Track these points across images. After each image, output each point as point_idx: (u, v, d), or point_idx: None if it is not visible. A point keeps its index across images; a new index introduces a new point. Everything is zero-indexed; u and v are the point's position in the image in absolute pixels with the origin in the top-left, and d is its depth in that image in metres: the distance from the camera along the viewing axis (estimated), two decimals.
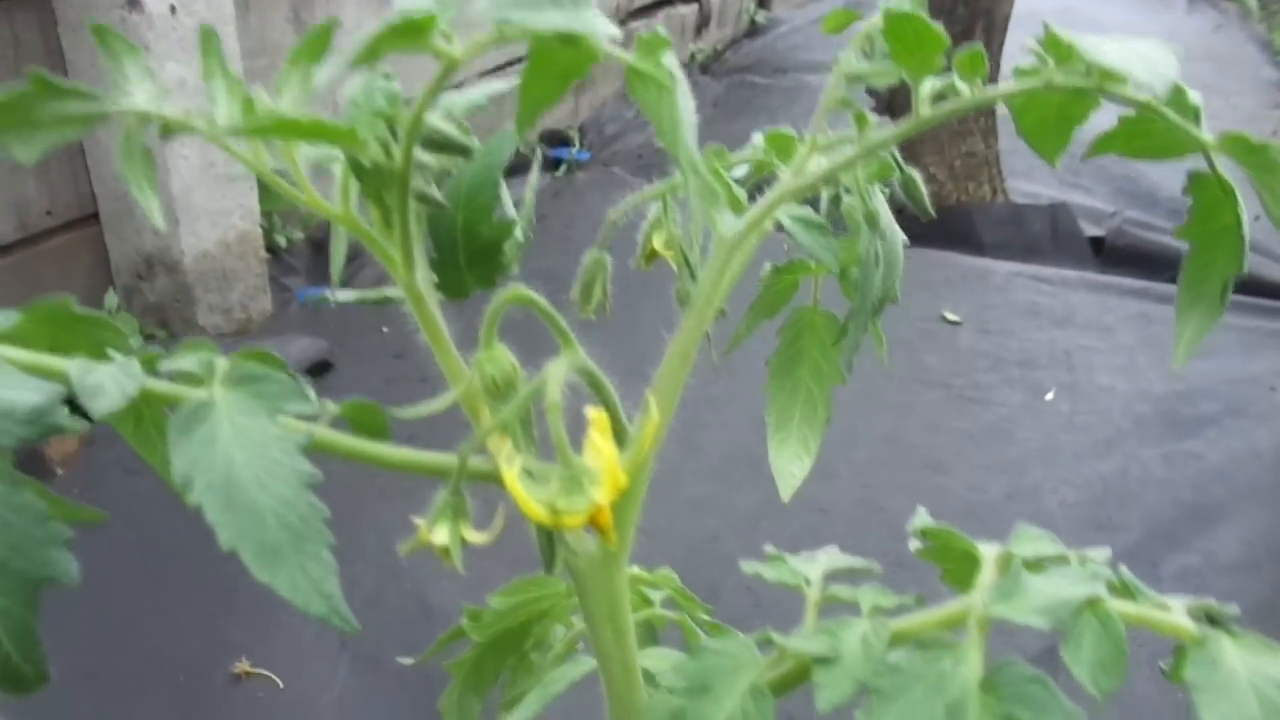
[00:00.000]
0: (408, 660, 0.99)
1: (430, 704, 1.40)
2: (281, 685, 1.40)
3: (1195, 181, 0.47)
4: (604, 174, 3.88)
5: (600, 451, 0.38)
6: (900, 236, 0.67)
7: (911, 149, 3.52)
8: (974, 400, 2.26)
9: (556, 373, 0.41)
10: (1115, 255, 3.16)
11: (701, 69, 5.40)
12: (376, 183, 0.41)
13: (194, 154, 2.31)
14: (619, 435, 0.43)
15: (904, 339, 2.52)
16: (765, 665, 0.43)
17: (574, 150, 4.03)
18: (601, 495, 0.38)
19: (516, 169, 0.71)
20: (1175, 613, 0.37)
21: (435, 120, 0.43)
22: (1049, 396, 2.28)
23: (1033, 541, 0.42)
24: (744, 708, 0.41)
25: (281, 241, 2.91)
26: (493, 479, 0.47)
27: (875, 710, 0.37)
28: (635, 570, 0.78)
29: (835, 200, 0.54)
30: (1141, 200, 3.57)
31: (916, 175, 0.56)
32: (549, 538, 0.44)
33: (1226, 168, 0.47)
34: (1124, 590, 0.39)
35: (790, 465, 0.77)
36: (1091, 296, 2.79)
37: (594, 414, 0.40)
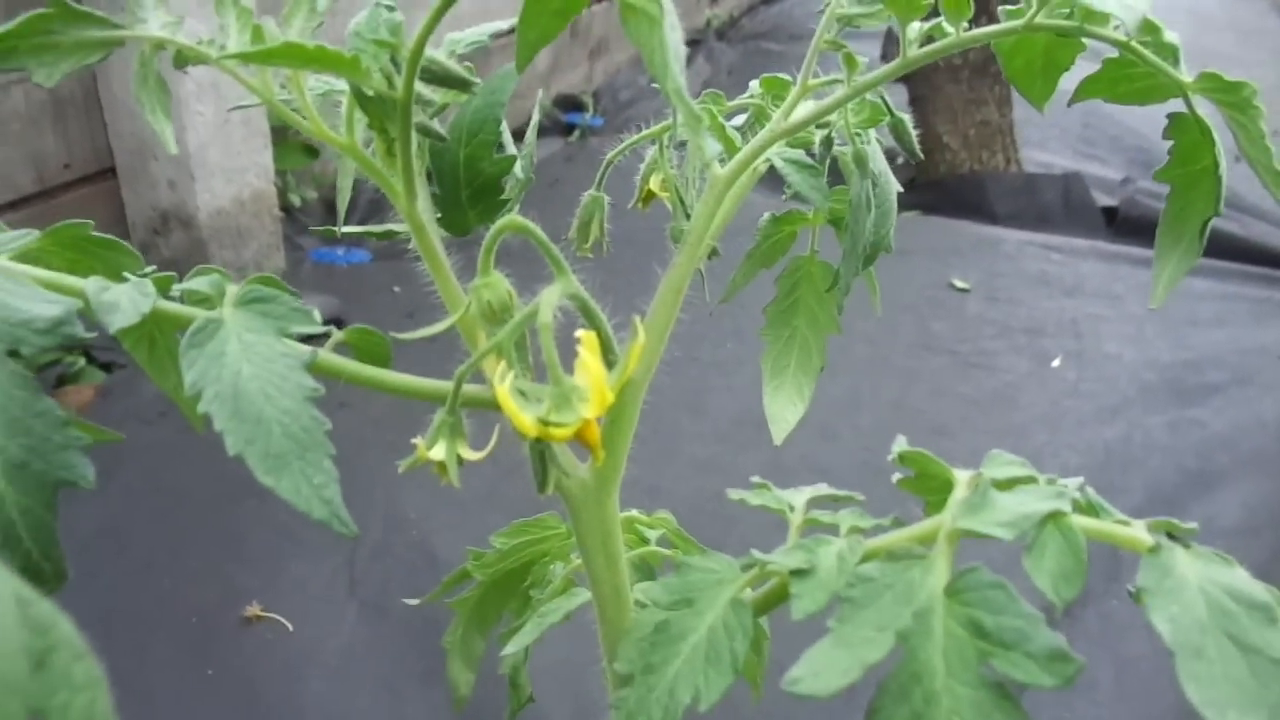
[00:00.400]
0: (414, 601, 1.02)
1: (436, 649, 1.43)
2: (291, 629, 1.43)
3: (1175, 124, 0.49)
4: (617, 139, 3.83)
5: (589, 370, 0.40)
6: (894, 184, 0.68)
7: (925, 117, 3.50)
8: (980, 366, 2.27)
9: (550, 297, 0.43)
10: (1128, 225, 3.15)
11: (717, 35, 5.37)
12: (380, 112, 0.43)
13: (210, 110, 2.33)
14: (608, 358, 0.45)
15: (912, 305, 2.53)
16: (746, 580, 0.45)
17: (587, 115, 4.03)
18: (589, 410, 0.40)
19: (524, 133, 0.73)
20: (1135, 528, 0.39)
21: (436, 54, 0.45)
22: (1055, 364, 2.29)
23: (1005, 465, 0.44)
24: (724, 618, 0.43)
25: (296, 201, 2.93)
26: (488, 405, 0.49)
27: (846, 617, 0.39)
28: (634, 513, 0.80)
29: (827, 144, 0.55)
30: (1155, 170, 3.55)
31: (906, 118, 0.57)
32: (541, 457, 0.46)
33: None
34: (1089, 509, 0.41)
35: (784, 411, 0.78)
36: (1102, 265, 2.79)
37: (583, 334, 0.42)
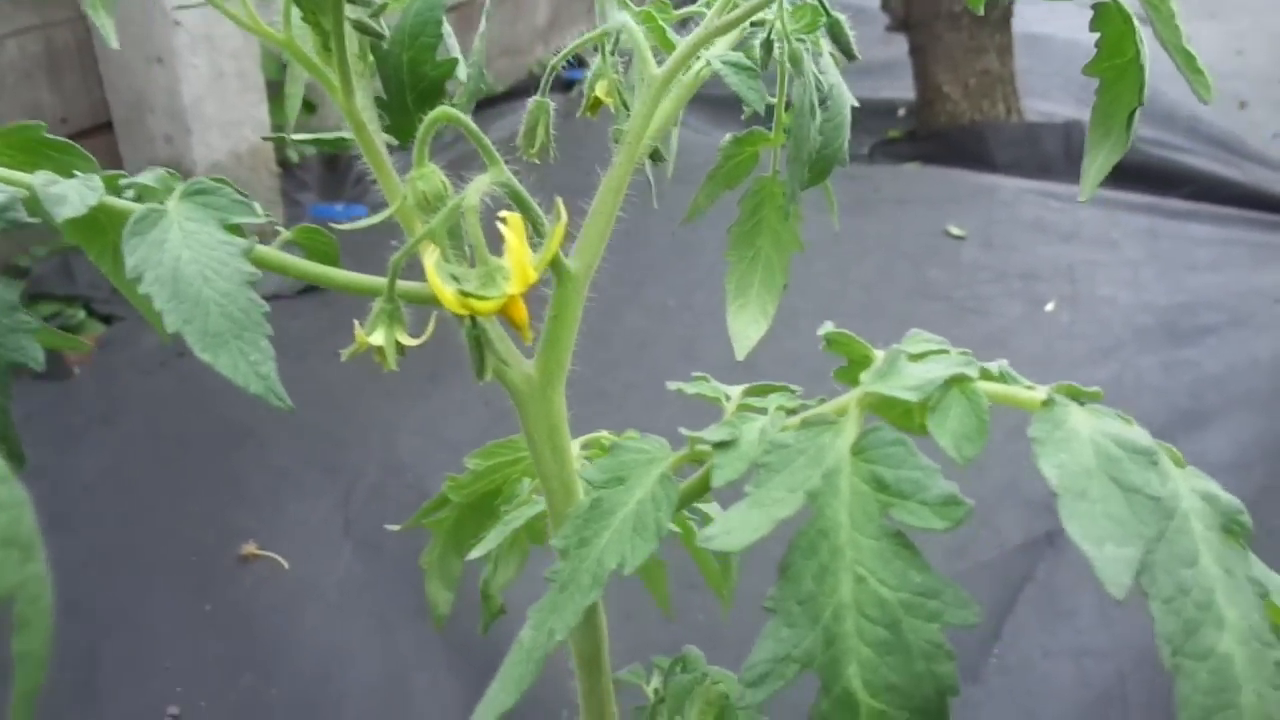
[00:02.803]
0: (395, 528, 1.04)
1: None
2: (287, 566, 1.46)
3: (1100, 15, 0.49)
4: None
5: (511, 249, 0.42)
6: (848, 99, 0.69)
7: (925, 67, 3.48)
8: (974, 311, 2.28)
9: (479, 184, 0.44)
10: (1128, 173, 3.12)
11: None
12: (313, 5, 0.44)
13: (204, 64, 2.34)
14: (538, 246, 0.46)
15: (907, 253, 2.53)
16: (676, 459, 0.47)
17: (588, 72, 4.02)
18: (512, 287, 0.42)
19: (523, 91, 0.73)
20: (1036, 391, 0.40)
21: None
22: (1049, 308, 2.29)
23: (921, 342, 0.45)
24: (653, 493, 0.45)
25: (294, 157, 2.93)
26: (425, 299, 0.50)
27: (761, 481, 0.41)
28: (603, 433, 0.82)
29: (767, 45, 0.56)
30: (1159, 119, 3.53)
31: (843, 19, 0.58)
32: (478, 345, 0.47)
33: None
34: (1000, 378, 0.43)
35: (747, 329, 0.80)
36: (1099, 212, 2.78)
37: (508, 215, 0.43)
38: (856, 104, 0.71)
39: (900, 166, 3.19)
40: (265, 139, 2.65)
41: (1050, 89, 3.82)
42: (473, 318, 0.46)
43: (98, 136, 2.38)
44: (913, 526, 0.37)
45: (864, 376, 0.42)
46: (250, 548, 1.48)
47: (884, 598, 0.37)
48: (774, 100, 0.62)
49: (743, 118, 0.78)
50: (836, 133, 0.68)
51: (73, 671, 1.31)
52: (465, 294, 0.41)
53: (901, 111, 3.68)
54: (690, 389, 0.55)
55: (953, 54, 3.43)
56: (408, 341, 0.47)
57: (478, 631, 1.39)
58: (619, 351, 2.01)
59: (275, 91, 2.72)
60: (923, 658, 0.37)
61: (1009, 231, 2.67)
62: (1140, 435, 0.37)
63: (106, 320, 2.17)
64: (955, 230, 2.65)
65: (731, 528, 0.39)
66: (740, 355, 0.79)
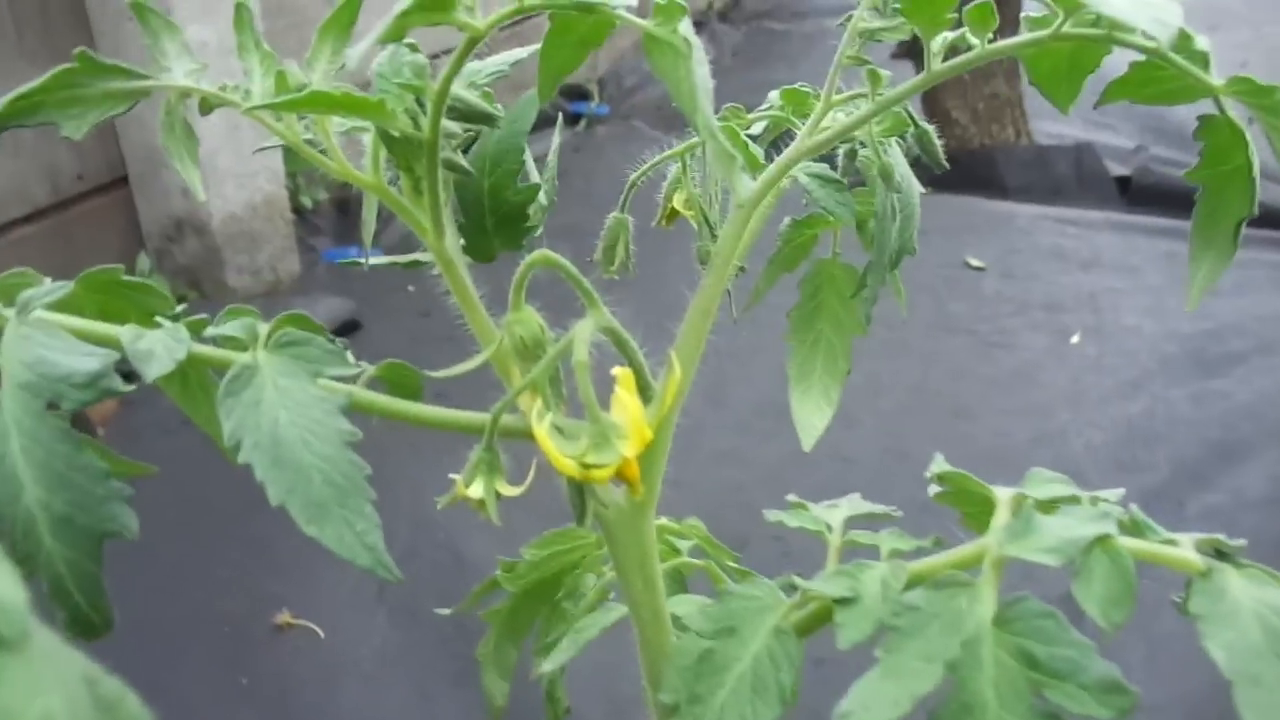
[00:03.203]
0: (445, 611, 1.03)
1: (466, 653, 1.44)
2: (322, 635, 1.44)
3: (1205, 125, 0.48)
4: (624, 127, 3.87)
5: (626, 407, 0.40)
6: (917, 188, 0.68)
7: (933, 92, 3.48)
8: (999, 345, 2.26)
9: (583, 333, 0.42)
10: (1142, 194, 3.12)
11: (720, 16, 5.34)
12: (406, 152, 0.43)
13: (218, 118, 2.32)
14: (644, 391, 0.44)
15: (928, 286, 2.51)
16: (789, 607, 0.45)
17: (593, 104, 4.02)
18: (628, 449, 0.40)
19: (537, 124, 0.73)
20: (1183, 547, 0.39)
21: (460, 90, 0.44)
22: (1075, 339, 2.28)
23: (1046, 484, 0.43)
24: (769, 646, 0.43)
25: (307, 203, 2.93)
26: (524, 435, 0.49)
27: (893, 646, 0.39)
28: (663, 520, 0.80)
29: (851, 155, 0.55)
30: (1169, 137, 3.52)
31: (930, 129, 0.57)
32: (579, 491, 0.46)
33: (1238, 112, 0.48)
34: (1135, 528, 0.41)
35: (812, 416, 0.78)
36: (1117, 237, 2.77)
37: (620, 372, 0.41)
38: (925, 190, 0.70)
39: None
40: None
41: (1058, 111, 3.81)
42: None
43: (114, 191, 2.38)
44: (1072, 712, 0.35)
45: (996, 530, 0.40)
46: (285, 617, 1.46)
47: None
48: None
49: (804, 202, 0.77)
50: (908, 224, 0.67)
51: None
52: (585, 463, 0.40)
53: (903, 143, 3.67)
54: (792, 522, 0.53)
55: (961, 79, 3.43)
56: (507, 492, 0.45)
57: (523, 698, 1.37)
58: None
59: None
60: None
61: (1028, 261, 2.65)
62: None
63: (128, 377, 2.15)
64: (974, 261, 2.63)
65: (868, 703, 0.38)
66: (807, 446, 0.77)
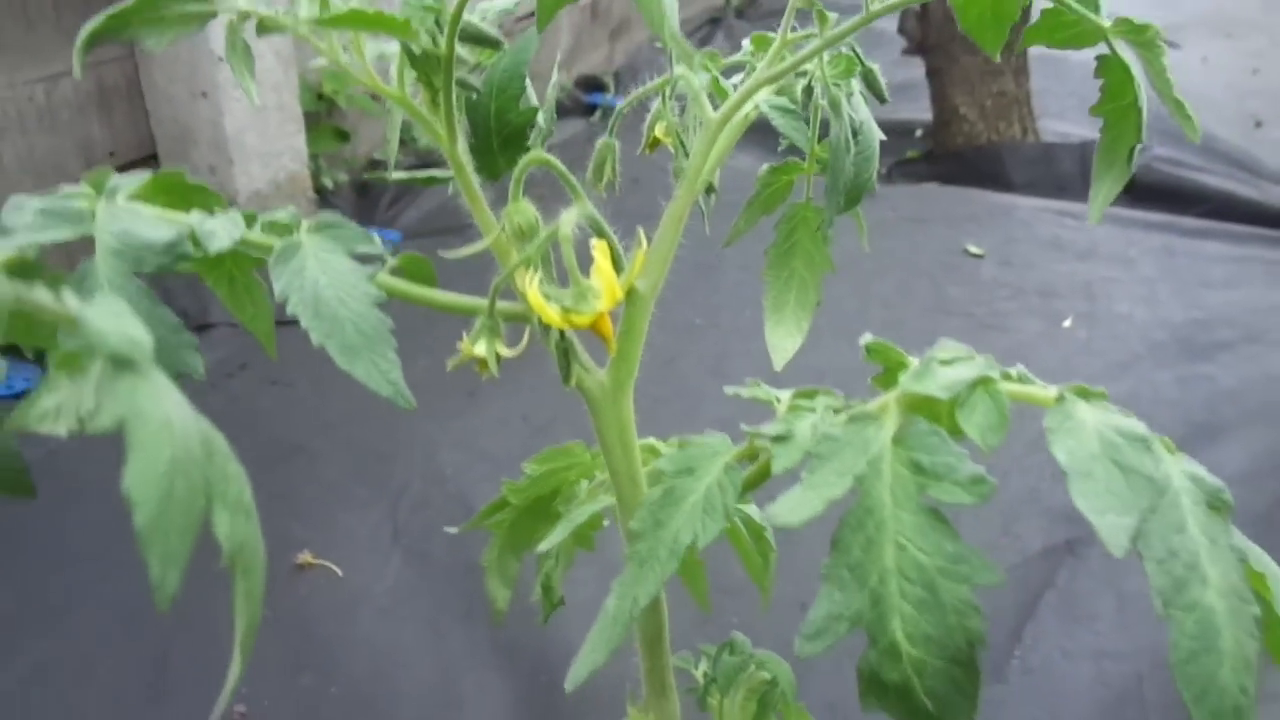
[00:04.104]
0: (453, 530, 1.12)
1: (476, 591, 1.54)
2: (340, 574, 1.54)
3: (1102, 64, 0.57)
4: (638, 117, 3.96)
5: (601, 271, 0.49)
6: (877, 133, 0.77)
7: (942, 89, 3.56)
8: (993, 327, 2.34)
9: (569, 217, 0.52)
10: (1144, 192, 3.19)
11: (736, 13, 5.43)
12: (426, 67, 0.52)
13: (245, 102, 2.43)
14: (619, 270, 0.53)
15: (927, 271, 2.60)
16: (738, 452, 0.54)
17: (609, 95, 4.12)
18: (603, 304, 0.49)
19: (559, 114, 0.82)
20: (1049, 390, 0.47)
21: (471, 18, 0.54)
22: (1067, 324, 2.36)
23: (950, 350, 0.52)
24: (719, 479, 0.53)
25: (328, 184, 3.04)
26: (520, 317, 0.58)
27: (815, 468, 0.48)
28: (652, 440, 0.89)
29: (808, 90, 0.64)
30: (1174, 138, 3.59)
31: (875, 68, 0.65)
32: (565, 355, 0.55)
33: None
34: (1019, 380, 0.50)
35: (784, 341, 0.87)
36: (1115, 230, 2.85)
37: (598, 243, 0.51)
38: (884, 138, 0.79)
39: (918, 186, 3.27)
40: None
41: (1065, 109, 3.89)
42: (561, 332, 0.54)
43: (144, 168, 2.48)
44: (946, 502, 0.44)
45: (901, 378, 0.49)
46: (305, 557, 1.55)
47: (922, 563, 0.44)
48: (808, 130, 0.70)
49: (779, 149, 0.86)
50: (867, 164, 0.76)
51: (144, 674, 1.38)
52: (566, 310, 0.49)
53: (919, 133, 3.76)
54: (746, 393, 0.62)
55: (969, 76, 3.51)
56: (505, 353, 0.54)
57: (525, 635, 1.47)
58: (648, 369, 2.07)
59: (312, 122, 2.82)
60: (955, 614, 0.44)
61: (1027, 250, 2.73)
62: (1138, 425, 0.44)
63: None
64: (974, 249, 2.72)
65: (792, 507, 0.47)
66: (778, 366, 0.86)
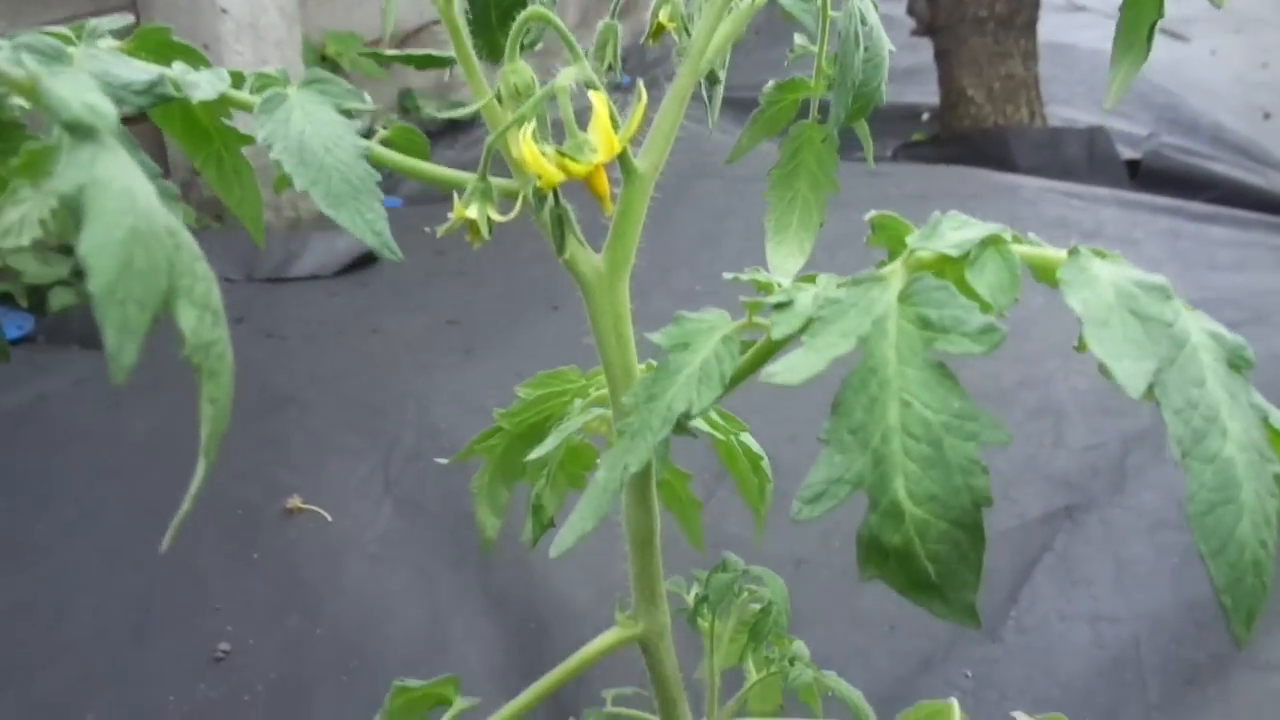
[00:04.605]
0: (443, 461, 1.10)
1: (467, 540, 1.52)
2: (330, 519, 1.52)
3: None
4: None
5: (598, 121, 0.47)
6: (886, 42, 0.75)
7: (950, 71, 3.53)
8: None
9: (567, 73, 0.50)
10: (1151, 178, 3.17)
11: None
12: None
13: (248, 50, 2.41)
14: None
15: None
16: (736, 326, 0.52)
17: (616, 75, 4.09)
18: (600, 156, 0.47)
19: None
20: (1062, 251, 0.45)
21: None
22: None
23: (960, 218, 0.50)
24: (716, 350, 0.51)
25: None
26: (512, 194, 0.56)
27: (817, 331, 0.46)
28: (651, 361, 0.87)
29: None
30: (1182, 127, 3.57)
31: None
32: (560, 225, 0.53)
33: None
34: (1029, 243, 0.48)
35: (785, 261, 0.85)
36: (1121, 212, 2.82)
37: (595, 95, 0.48)
38: (893, 49, 0.77)
39: (926, 166, 3.24)
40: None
41: (1073, 96, 3.86)
42: (556, 198, 0.52)
43: (141, 121, 2.45)
44: (955, 355, 0.42)
45: (908, 239, 0.47)
46: (295, 501, 1.53)
47: (928, 420, 0.42)
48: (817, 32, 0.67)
49: (786, 64, 0.84)
50: (875, 71, 0.74)
51: (127, 613, 1.36)
52: (561, 154, 0.47)
53: (925, 116, 3.73)
54: (746, 276, 0.60)
55: (978, 58, 3.48)
56: (497, 218, 0.52)
57: (515, 582, 1.45)
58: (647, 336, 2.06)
59: None
60: (961, 472, 0.42)
61: (1031, 227, 2.66)
62: (1155, 276, 0.42)
63: None
64: None
65: (791, 366, 0.45)
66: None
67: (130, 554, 1.45)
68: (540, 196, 0.52)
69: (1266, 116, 4.05)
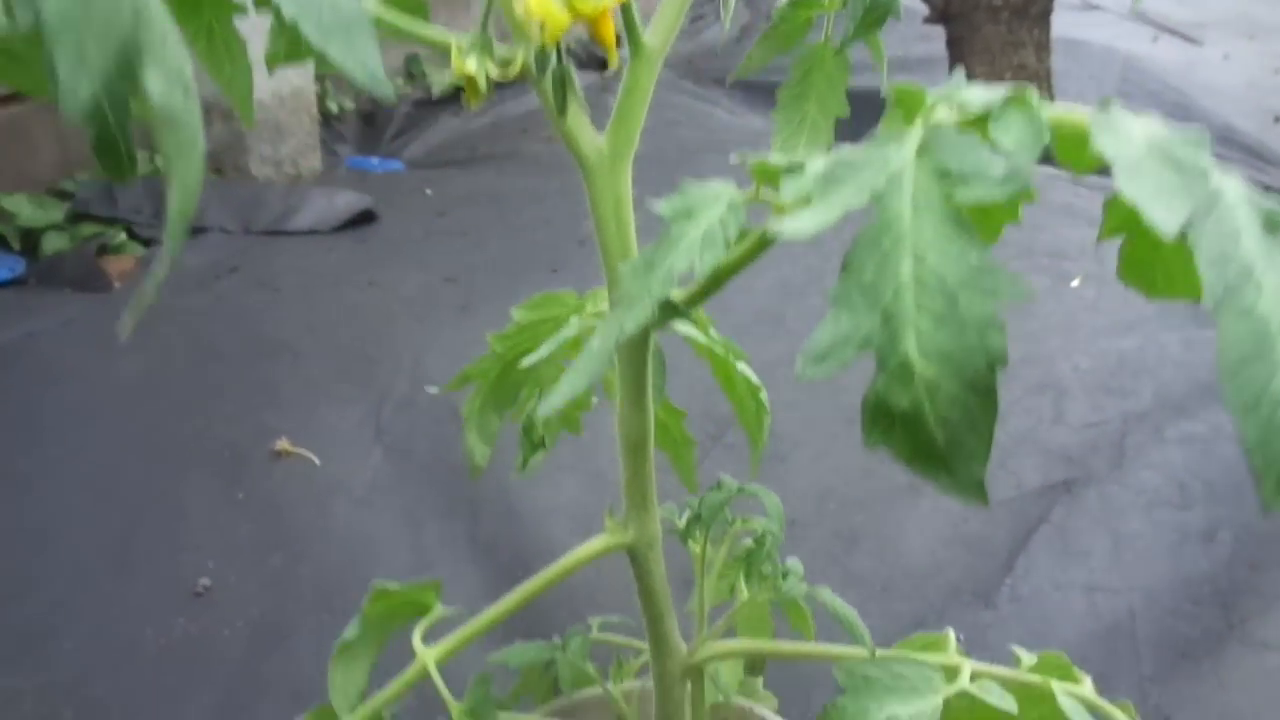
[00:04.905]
0: (434, 389, 1.08)
1: (457, 489, 1.49)
2: (318, 464, 1.49)
3: None
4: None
5: None
6: None
7: (962, 59, 3.51)
8: None
9: None
10: None
11: None
12: None
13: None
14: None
15: None
16: (744, 196, 0.50)
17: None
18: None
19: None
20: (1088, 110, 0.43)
21: None
22: (1075, 283, 2.31)
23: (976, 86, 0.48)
24: (721, 217, 0.48)
25: (334, 108, 2.99)
26: (505, 60, 0.53)
27: (827, 192, 0.44)
28: None
29: None
30: (1194, 123, 3.55)
31: None
32: (562, 85, 0.50)
33: None
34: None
35: None
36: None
37: None
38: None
39: None
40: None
41: (1085, 91, 3.84)
42: (559, 56, 0.49)
43: None
44: (974, 201, 0.39)
45: (928, 96, 0.45)
46: (283, 444, 1.51)
47: (943, 274, 0.40)
48: None
49: None
50: None
51: (108, 547, 1.34)
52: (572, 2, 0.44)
53: None
54: (752, 159, 0.58)
55: (990, 47, 3.46)
56: (496, 76, 0.50)
57: (503, 531, 1.42)
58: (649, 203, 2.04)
59: None
60: (976, 330, 0.40)
61: (1038, 213, 2.68)
62: (1191, 128, 0.40)
63: (146, 244, 2.22)
64: None
65: (800, 222, 0.42)
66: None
67: (114, 490, 1.43)
68: (542, 58, 0.50)
69: (1277, 120, 4.03)
